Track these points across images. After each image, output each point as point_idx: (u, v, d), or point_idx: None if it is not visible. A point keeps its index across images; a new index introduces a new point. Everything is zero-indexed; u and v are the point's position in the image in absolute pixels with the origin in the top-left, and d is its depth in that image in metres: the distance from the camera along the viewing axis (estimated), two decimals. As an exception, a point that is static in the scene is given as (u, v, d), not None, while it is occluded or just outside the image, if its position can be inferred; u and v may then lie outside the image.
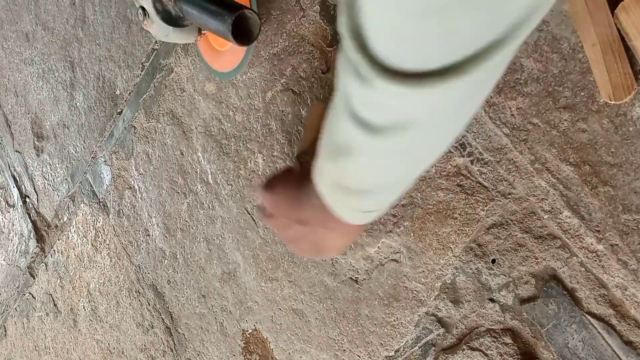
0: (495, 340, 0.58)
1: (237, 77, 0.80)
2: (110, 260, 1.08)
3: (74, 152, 1.14)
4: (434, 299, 0.63)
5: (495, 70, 0.32)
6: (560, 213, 0.54)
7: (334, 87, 0.39)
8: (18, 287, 1.37)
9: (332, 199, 0.48)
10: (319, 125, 0.45)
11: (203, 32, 0.72)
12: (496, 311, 0.58)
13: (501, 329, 0.58)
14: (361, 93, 0.33)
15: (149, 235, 0.99)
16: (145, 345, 1.04)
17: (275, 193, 0.57)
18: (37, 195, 1.27)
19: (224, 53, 0.77)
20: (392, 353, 0.67)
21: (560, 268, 0.54)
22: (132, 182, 1.01)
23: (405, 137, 0.35)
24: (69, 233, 1.18)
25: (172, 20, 0.67)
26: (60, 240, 1.21)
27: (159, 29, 0.67)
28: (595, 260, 0.52)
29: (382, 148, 0.37)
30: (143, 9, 0.66)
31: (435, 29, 0.27)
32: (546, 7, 0.28)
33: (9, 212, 1.39)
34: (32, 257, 1.30)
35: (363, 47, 0.31)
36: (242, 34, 0.59)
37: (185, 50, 0.87)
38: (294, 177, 0.57)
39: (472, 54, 0.28)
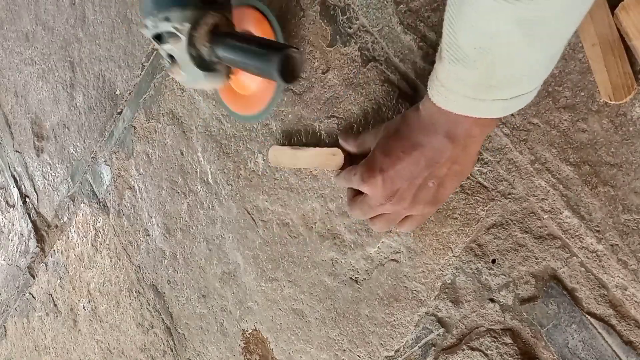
0: (495, 340, 0.58)
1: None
2: (110, 260, 1.08)
3: (74, 152, 1.14)
4: (434, 299, 0.63)
5: None
6: (560, 213, 0.54)
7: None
8: (18, 287, 1.37)
9: (474, 108, 0.45)
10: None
11: (231, 75, 0.66)
12: (496, 311, 0.58)
13: (501, 329, 0.58)
14: None
15: (149, 235, 0.99)
16: (145, 345, 1.04)
17: (389, 148, 0.54)
18: (37, 195, 1.27)
19: (247, 98, 0.74)
20: (392, 353, 0.67)
21: (560, 268, 0.54)
22: (132, 182, 1.01)
23: (541, 3, 0.34)
24: (69, 233, 1.18)
25: (205, 65, 0.62)
26: (60, 240, 1.21)
27: (189, 76, 0.62)
28: (595, 260, 0.52)
29: (525, 16, 0.36)
30: (171, 56, 0.61)
31: None
32: None
33: (9, 212, 1.39)
34: (32, 257, 1.30)
35: None
36: (287, 72, 0.56)
37: (185, 50, 0.87)
38: (386, 130, 0.55)
39: None
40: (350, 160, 0.65)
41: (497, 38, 0.38)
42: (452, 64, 0.43)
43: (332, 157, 0.66)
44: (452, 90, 0.45)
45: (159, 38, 0.60)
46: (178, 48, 0.59)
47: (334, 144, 0.68)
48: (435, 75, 0.47)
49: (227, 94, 0.78)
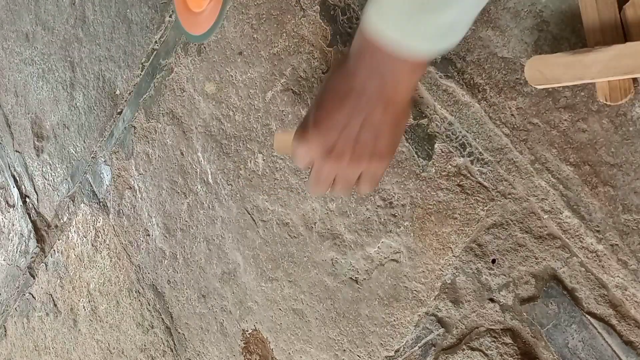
0: (495, 340, 0.58)
1: (236, 76, 0.80)
2: (110, 260, 1.08)
3: (74, 152, 1.14)
4: (434, 299, 0.63)
5: None
6: (560, 213, 0.54)
7: None
8: (18, 287, 1.37)
9: (407, 30, 0.43)
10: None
11: None
12: (496, 311, 0.58)
13: (501, 329, 0.58)
14: None
15: (149, 235, 0.99)
16: (145, 345, 1.04)
17: (320, 104, 0.51)
18: (37, 195, 1.27)
19: (198, 15, 0.79)
20: (392, 353, 0.67)
21: (560, 268, 0.54)
22: (132, 182, 1.01)
23: None
24: (69, 233, 1.18)
25: None
26: (60, 240, 1.21)
27: None
28: (595, 260, 0.52)
29: None
30: None
31: None
32: None
33: (9, 212, 1.39)
34: (32, 257, 1.30)
35: None
36: None
37: (185, 50, 0.87)
38: (322, 87, 0.53)
39: None
40: None
41: None
42: None
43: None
44: (386, 13, 0.43)
45: None
46: None
47: None
48: None
49: (182, 13, 0.82)
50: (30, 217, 1.30)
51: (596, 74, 0.49)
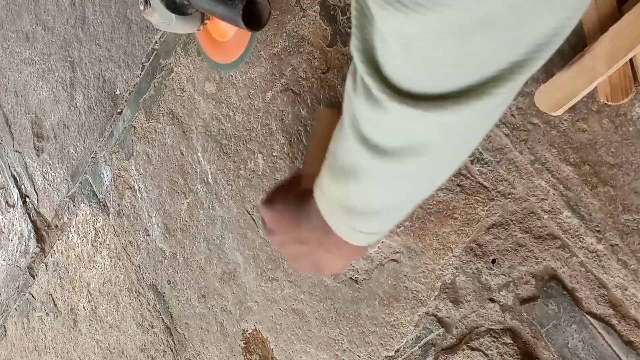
0: (495, 340, 0.58)
1: (236, 76, 0.80)
2: (110, 260, 1.08)
3: (74, 152, 1.14)
4: (434, 299, 0.63)
5: (514, 91, 0.31)
6: (560, 213, 0.54)
7: (342, 90, 0.39)
8: (18, 287, 1.37)
9: (334, 219, 0.46)
10: (326, 135, 0.44)
11: (206, 20, 0.69)
12: (496, 311, 0.58)
13: (501, 329, 0.58)
14: (371, 115, 0.32)
15: (149, 235, 0.99)
16: (145, 345, 1.04)
17: (275, 210, 0.55)
18: (37, 195, 1.27)
19: (225, 44, 0.75)
20: (392, 353, 0.67)
21: (560, 268, 0.54)
22: (132, 182, 1.01)
23: (415, 161, 0.33)
24: (69, 233, 1.18)
25: (176, 7, 0.64)
26: (60, 240, 1.21)
27: (161, 18, 0.64)
28: (595, 260, 0.52)
29: (390, 172, 0.36)
30: None
31: (452, 50, 0.25)
32: (569, 29, 0.26)
33: (9, 212, 1.39)
34: (32, 257, 1.30)
35: (376, 69, 0.29)
36: (252, 19, 0.57)
37: (185, 50, 0.87)
38: (295, 194, 0.56)
39: (491, 75, 0.27)
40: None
41: (360, 165, 0.38)
42: (329, 174, 0.44)
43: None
44: (325, 195, 0.46)
45: None
46: None
47: None
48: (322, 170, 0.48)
49: (206, 42, 0.78)
50: (30, 217, 1.30)
51: (603, 68, 0.48)
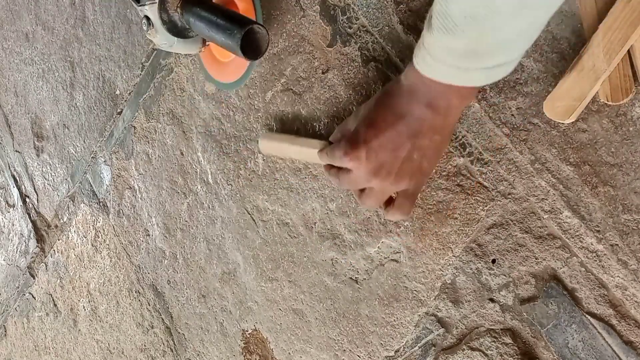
0: (495, 340, 0.58)
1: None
2: (110, 260, 1.08)
3: (74, 152, 1.14)
4: (434, 299, 0.63)
5: None
6: (560, 213, 0.54)
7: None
8: (18, 287, 1.37)
9: (458, 76, 0.46)
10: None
11: (207, 43, 0.70)
12: (496, 311, 0.58)
13: (501, 329, 0.58)
14: None
15: (149, 235, 0.99)
16: (145, 345, 1.04)
17: (376, 125, 0.54)
18: (37, 195, 1.27)
19: (227, 64, 0.76)
20: (392, 353, 0.67)
21: (560, 268, 0.54)
22: (132, 182, 1.01)
23: None
24: (69, 233, 1.18)
25: (177, 31, 0.65)
26: (60, 240, 1.21)
27: (163, 40, 0.65)
28: (595, 260, 0.52)
29: None
30: (147, 18, 0.64)
31: None
32: None
33: (9, 212, 1.39)
34: (32, 257, 1.30)
35: None
36: (251, 48, 0.58)
37: (185, 50, 0.87)
38: (365, 113, 0.56)
39: None
40: None
41: (488, 7, 0.39)
42: (441, 33, 0.43)
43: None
44: (438, 58, 0.46)
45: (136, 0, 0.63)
46: (152, 11, 0.62)
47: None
48: (422, 43, 0.47)
49: (208, 61, 0.79)
50: (30, 217, 1.30)
51: (604, 65, 0.49)
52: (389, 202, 0.60)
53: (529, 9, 0.39)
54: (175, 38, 0.65)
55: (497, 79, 0.47)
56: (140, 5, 0.63)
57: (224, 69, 0.77)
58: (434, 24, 0.44)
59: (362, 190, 0.60)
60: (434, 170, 0.60)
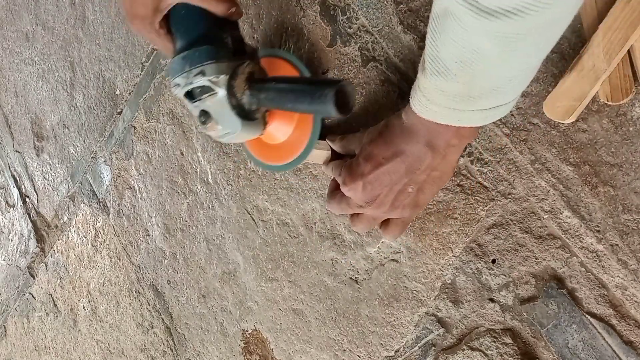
0: (495, 340, 0.58)
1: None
2: (110, 260, 1.08)
3: (74, 152, 1.14)
4: (434, 299, 0.63)
5: None
6: (560, 213, 0.54)
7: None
8: (18, 287, 1.37)
9: (455, 117, 0.47)
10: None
11: (267, 126, 0.64)
12: (496, 311, 0.58)
13: (501, 329, 0.58)
14: None
15: (149, 235, 0.99)
16: (145, 345, 1.04)
17: (374, 158, 0.55)
18: (37, 195, 1.27)
19: (276, 147, 0.70)
20: (392, 353, 0.67)
21: (560, 268, 0.54)
22: (132, 182, 1.01)
23: (522, 20, 0.34)
24: (69, 233, 1.18)
25: (245, 113, 0.59)
26: (60, 240, 1.21)
27: (227, 128, 0.59)
28: (595, 260, 0.52)
29: (506, 31, 0.36)
30: (205, 112, 0.58)
31: None
32: None
33: (9, 212, 1.39)
34: (32, 257, 1.30)
35: None
36: (341, 105, 0.55)
37: (185, 50, 0.87)
38: (367, 150, 0.57)
39: None
40: (337, 155, 0.66)
41: (477, 53, 0.39)
42: (434, 77, 0.44)
43: (320, 151, 0.66)
44: (433, 101, 0.47)
45: (189, 96, 0.58)
46: (214, 102, 0.58)
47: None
48: (417, 85, 0.48)
49: (254, 146, 0.74)
50: (30, 217, 1.30)
51: (604, 65, 0.49)
52: (384, 222, 0.62)
53: (518, 55, 0.39)
54: (241, 122, 0.59)
55: (495, 119, 0.48)
56: (196, 101, 0.58)
57: (274, 152, 0.71)
58: (427, 67, 0.44)
59: (355, 214, 0.62)
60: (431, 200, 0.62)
